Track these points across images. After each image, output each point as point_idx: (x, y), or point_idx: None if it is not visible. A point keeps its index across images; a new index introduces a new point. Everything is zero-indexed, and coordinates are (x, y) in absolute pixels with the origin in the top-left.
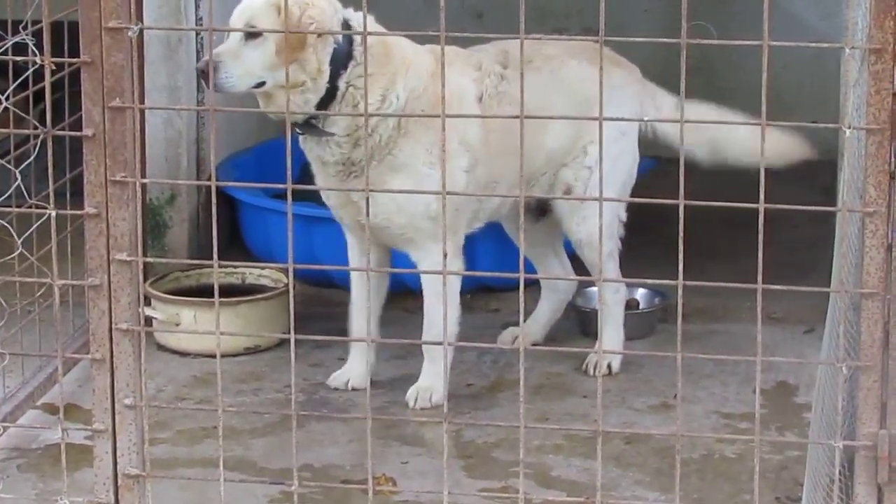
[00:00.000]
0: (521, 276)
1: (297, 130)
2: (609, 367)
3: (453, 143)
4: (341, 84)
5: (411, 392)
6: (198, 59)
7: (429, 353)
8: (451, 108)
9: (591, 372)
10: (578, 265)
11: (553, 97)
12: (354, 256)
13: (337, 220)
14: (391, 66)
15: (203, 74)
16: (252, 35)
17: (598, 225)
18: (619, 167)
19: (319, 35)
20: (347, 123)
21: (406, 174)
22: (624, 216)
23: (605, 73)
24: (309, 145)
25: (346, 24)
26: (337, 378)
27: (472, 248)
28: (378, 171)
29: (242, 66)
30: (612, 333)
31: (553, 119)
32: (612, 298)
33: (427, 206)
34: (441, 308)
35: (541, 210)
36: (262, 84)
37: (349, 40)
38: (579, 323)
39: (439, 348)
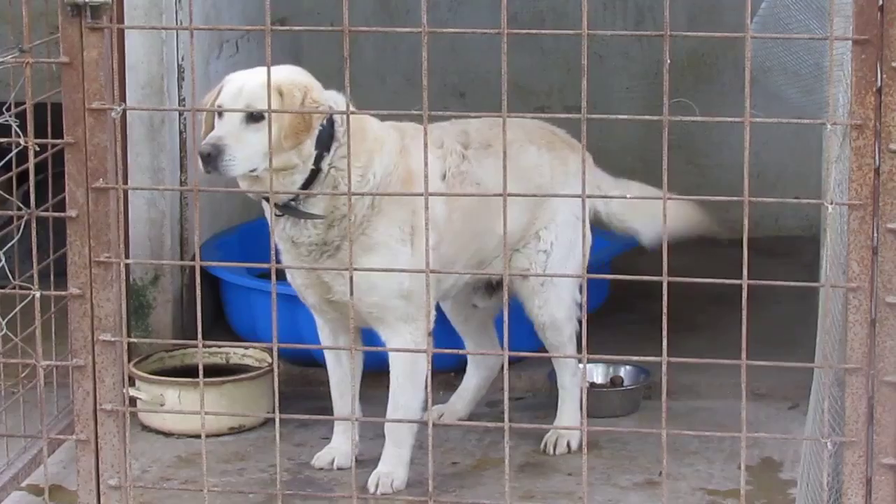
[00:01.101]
0: (506, 353)
1: (277, 212)
2: (568, 444)
3: (421, 221)
4: (324, 166)
5: (372, 478)
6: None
7: (391, 437)
8: (418, 184)
9: (551, 451)
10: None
11: (510, 182)
12: (326, 338)
13: (301, 300)
14: (367, 145)
15: (207, 158)
16: (254, 118)
17: (558, 309)
18: (576, 251)
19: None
20: (326, 204)
21: (379, 252)
22: (579, 298)
23: (562, 160)
24: (281, 226)
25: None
26: (321, 458)
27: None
28: (353, 250)
29: (244, 150)
30: (570, 411)
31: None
32: (570, 381)
33: (400, 284)
34: (409, 389)
35: (492, 288)
36: (254, 169)
37: (331, 122)
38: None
39: (403, 432)
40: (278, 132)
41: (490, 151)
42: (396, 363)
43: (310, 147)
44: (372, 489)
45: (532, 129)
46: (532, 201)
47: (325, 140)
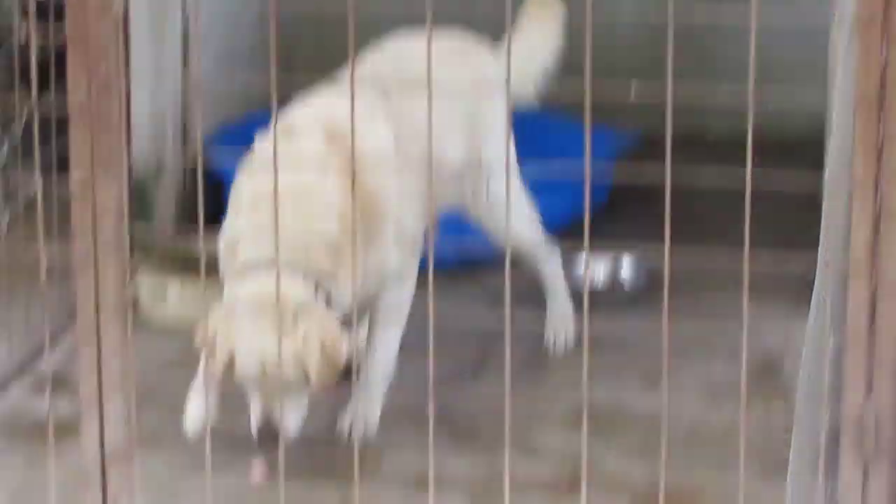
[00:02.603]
0: (508, 248)
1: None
2: (566, 339)
3: (399, 226)
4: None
5: (345, 423)
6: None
7: (369, 381)
8: (380, 199)
9: (551, 347)
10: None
11: (438, 112)
12: None
13: None
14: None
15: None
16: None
17: (516, 221)
18: (511, 154)
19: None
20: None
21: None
22: (533, 201)
23: (480, 72)
24: None
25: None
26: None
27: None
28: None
29: (303, 407)
30: (561, 302)
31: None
32: (552, 270)
33: (389, 269)
34: (390, 343)
35: None
36: None
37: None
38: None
39: (379, 376)
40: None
41: (410, 96)
42: (386, 315)
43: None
44: (346, 434)
45: (439, 51)
46: (466, 124)
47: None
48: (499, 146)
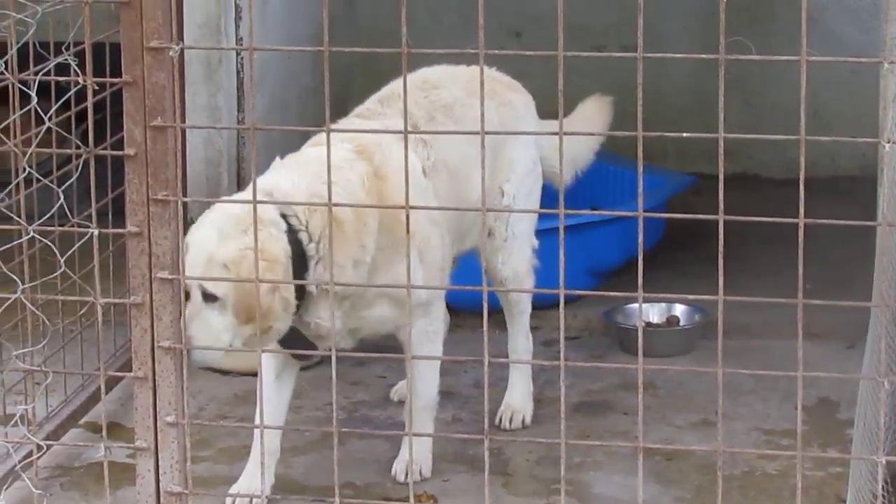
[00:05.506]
0: (562, 292)
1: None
2: (523, 420)
3: (421, 242)
4: (312, 288)
5: (398, 465)
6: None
7: (413, 426)
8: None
9: (507, 425)
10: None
11: (468, 148)
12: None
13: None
14: (348, 230)
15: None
16: (209, 297)
17: (520, 262)
18: (534, 197)
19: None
20: (326, 311)
21: (390, 293)
22: (536, 245)
23: (509, 106)
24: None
25: (287, 222)
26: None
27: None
28: (374, 301)
29: (209, 330)
30: (521, 386)
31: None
32: (523, 345)
33: (418, 298)
34: (429, 377)
35: None
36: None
37: (295, 241)
38: (619, 340)
39: (425, 417)
40: (234, 317)
41: (435, 123)
42: (418, 347)
43: (280, 303)
44: (401, 477)
45: (471, 81)
46: (489, 157)
47: (300, 265)
48: (521, 183)
